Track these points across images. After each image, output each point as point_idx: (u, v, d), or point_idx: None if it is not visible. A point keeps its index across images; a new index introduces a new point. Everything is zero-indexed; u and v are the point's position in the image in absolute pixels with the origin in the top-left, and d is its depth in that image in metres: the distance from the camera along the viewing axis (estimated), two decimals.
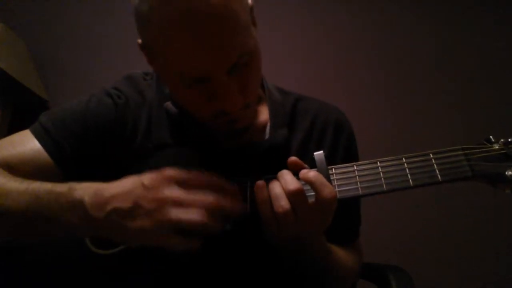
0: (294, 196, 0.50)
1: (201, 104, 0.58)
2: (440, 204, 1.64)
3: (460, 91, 1.80)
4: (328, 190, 0.51)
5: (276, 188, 0.52)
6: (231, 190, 0.52)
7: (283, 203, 0.50)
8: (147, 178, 0.49)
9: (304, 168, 0.55)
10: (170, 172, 0.50)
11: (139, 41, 0.60)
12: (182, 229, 0.47)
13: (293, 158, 0.55)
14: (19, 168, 0.60)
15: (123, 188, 0.49)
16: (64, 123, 0.65)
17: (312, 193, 0.52)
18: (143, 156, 0.62)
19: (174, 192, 0.48)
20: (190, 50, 0.51)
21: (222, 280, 0.62)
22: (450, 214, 1.63)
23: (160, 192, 0.47)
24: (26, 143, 0.63)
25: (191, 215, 0.47)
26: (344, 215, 0.70)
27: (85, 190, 0.50)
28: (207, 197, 0.49)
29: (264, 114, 0.73)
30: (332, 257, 0.64)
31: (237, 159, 0.62)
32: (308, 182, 0.52)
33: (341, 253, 0.68)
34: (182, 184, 0.49)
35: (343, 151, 0.73)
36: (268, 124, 0.70)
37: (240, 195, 0.54)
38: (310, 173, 0.52)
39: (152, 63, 0.62)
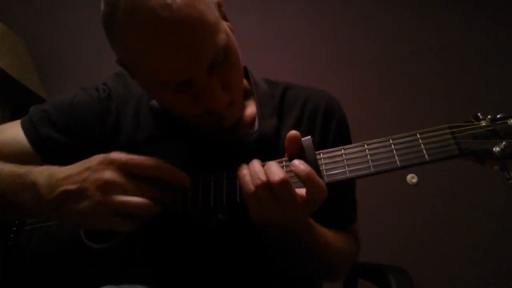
0: (280, 187, 0.49)
1: (188, 108, 0.59)
2: (440, 204, 1.63)
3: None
4: (319, 189, 0.49)
5: (255, 164, 0.52)
6: (176, 176, 0.54)
7: (261, 176, 0.50)
8: (93, 160, 0.52)
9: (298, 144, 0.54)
10: (115, 155, 0.52)
11: (117, 58, 0.60)
12: (121, 212, 0.49)
13: (293, 132, 0.53)
14: (1, 151, 0.63)
15: (73, 170, 0.52)
16: (48, 114, 0.68)
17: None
18: (132, 149, 0.62)
19: (114, 175, 0.50)
20: (164, 59, 0.51)
21: (216, 269, 0.61)
22: (450, 214, 1.62)
23: (102, 175, 0.49)
24: (12, 130, 0.67)
25: (133, 199, 0.49)
26: (339, 199, 0.68)
27: (41, 172, 0.53)
28: (146, 187, 0.52)
29: (252, 107, 0.73)
30: (322, 241, 0.62)
31: (226, 152, 0.62)
32: (298, 176, 0.49)
33: (332, 237, 0.65)
34: (126, 168, 0.51)
35: (334, 135, 0.72)
36: (257, 116, 0.70)
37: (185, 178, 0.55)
38: (302, 167, 0.49)
39: (134, 77, 0.63)
